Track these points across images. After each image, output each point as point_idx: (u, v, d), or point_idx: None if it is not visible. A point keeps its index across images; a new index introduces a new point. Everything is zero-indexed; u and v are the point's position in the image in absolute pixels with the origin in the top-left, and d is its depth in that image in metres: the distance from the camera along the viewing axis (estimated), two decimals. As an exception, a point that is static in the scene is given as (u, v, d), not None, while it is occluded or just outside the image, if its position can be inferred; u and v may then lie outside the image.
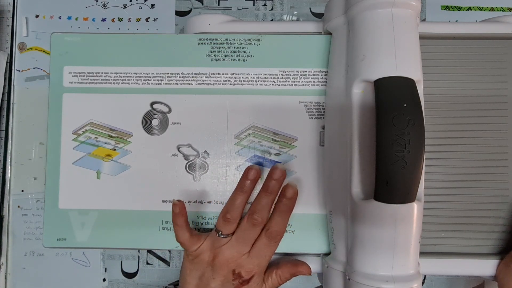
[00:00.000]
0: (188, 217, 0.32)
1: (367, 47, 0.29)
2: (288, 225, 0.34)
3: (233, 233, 0.32)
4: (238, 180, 0.32)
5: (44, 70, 0.49)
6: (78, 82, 0.35)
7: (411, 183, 0.26)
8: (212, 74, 0.35)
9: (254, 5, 0.49)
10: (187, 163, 0.34)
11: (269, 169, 0.34)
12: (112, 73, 0.35)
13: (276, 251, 0.34)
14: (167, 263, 0.48)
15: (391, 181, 0.26)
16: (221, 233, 0.31)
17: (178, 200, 0.31)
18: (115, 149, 0.35)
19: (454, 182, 0.33)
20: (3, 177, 0.48)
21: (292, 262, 0.33)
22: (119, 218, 0.34)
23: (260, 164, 0.34)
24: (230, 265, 0.31)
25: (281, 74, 0.35)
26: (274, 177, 0.31)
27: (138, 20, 0.49)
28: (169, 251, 0.47)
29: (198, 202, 0.34)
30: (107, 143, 0.35)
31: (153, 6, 0.49)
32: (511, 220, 0.33)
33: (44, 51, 0.49)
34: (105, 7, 0.49)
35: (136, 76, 0.35)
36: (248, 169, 0.32)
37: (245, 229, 0.31)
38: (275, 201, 0.32)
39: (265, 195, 0.31)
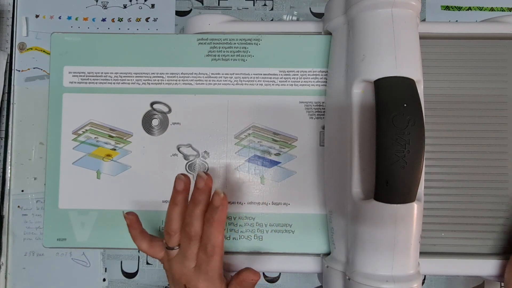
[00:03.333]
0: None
1: (367, 47, 0.29)
2: (288, 225, 0.34)
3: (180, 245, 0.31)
4: (238, 180, 0.32)
5: (44, 70, 0.49)
6: (78, 82, 0.35)
7: (411, 183, 0.26)
8: (212, 74, 0.35)
9: (254, 5, 0.49)
10: (187, 163, 0.34)
11: (269, 169, 0.34)
12: (112, 73, 0.35)
13: (276, 251, 0.34)
14: (167, 263, 0.48)
15: (391, 181, 0.26)
16: (167, 246, 0.31)
17: (128, 213, 0.31)
18: (115, 149, 0.35)
19: (454, 182, 0.33)
20: (3, 177, 0.48)
21: (237, 273, 0.31)
22: (119, 218, 0.34)
23: (260, 164, 0.34)
24: (181, 280, 0.31)
25: (281, 74, 0.35)
26: (198, 186, 0.29)
27: (138, 20, 0.49)
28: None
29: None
30: (107, 143, 0.35)
31: (153, 6, 0.49)
32: (511, 220, 0.33)
33: (44, 51, 0.49)
34: (105, 7, 0.49)
35: (136, 76, 0.35)
36: (175, 180, 0.30)
37: (183, 243, 0.30)
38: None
39: (193, 206, 0.30)
